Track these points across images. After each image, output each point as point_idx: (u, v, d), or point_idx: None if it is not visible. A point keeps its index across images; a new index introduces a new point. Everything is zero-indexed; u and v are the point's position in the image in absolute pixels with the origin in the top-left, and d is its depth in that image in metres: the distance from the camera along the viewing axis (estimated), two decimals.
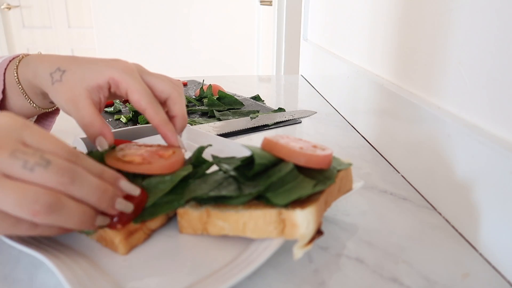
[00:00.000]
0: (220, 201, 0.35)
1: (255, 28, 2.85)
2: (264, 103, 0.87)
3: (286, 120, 0.74)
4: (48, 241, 0.35)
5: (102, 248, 0.35)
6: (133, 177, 0.36)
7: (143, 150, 0.39)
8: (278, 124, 0.73)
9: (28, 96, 0.45)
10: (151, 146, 0.42)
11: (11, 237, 0.34)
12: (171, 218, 0.39)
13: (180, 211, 0.37)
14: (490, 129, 0.37)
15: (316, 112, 0.81)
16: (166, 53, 2.85)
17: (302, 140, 0.39)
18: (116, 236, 0.34)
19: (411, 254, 0.36)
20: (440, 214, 0.43)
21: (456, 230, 0.40)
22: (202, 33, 2.87)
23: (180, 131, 0.43)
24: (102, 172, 0.32)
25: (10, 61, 0.44)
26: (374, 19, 0.67)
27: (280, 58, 2.00)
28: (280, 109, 0.81)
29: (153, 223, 0.37)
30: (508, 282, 0.33)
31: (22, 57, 0.44)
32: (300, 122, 0.75)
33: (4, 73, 0.44)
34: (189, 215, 0.36)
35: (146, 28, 2.78)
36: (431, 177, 0.45)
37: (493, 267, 0.34)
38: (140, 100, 0.39)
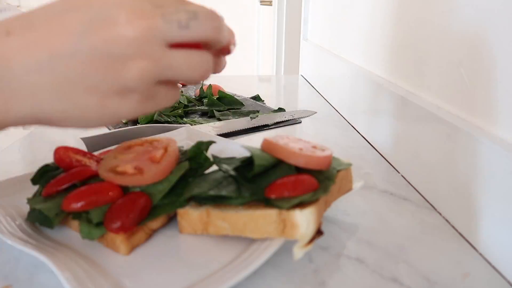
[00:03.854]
0: (219, 201, 0.36)
1: (255, 28, 2.85)
2: (264, 103, 0.87)
3: (286, 120, 0.74)
4: (48, 241, 0.35)
5: (102, 248, 0.35)
6: None
7: (135, 154, 0.39)
8: (278, 124, 0.73)
9: None
10: (142, 144, 0.42)
11: (11, 237, 0.34)
12: (172, 218, 0.39)
13: (180, 211, 0.37)
14: (490, 129, 0.37)
15: (316, 112, 0.81)
16: None
17: (302, 140, 0.40)
18: (117, 236, 0.34)
19: (411, 254, 0.36)
20: (440, 214, 0.43)
21: (456, 230, 0.40)
22: None
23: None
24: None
25: None
26: (374, 19, 0.67)
27: (280, 58, 2.00)
28: (280, 109, 0.81)
29: (154, 223, 0.37)
30: (508, 282, 0.33)
31: None
32: (300, 122, 0.75)
33: None
34: (189, 215, 0.36)
35: None
36: (431, 177, 0.45)
37: (493, 267, 0.34)
38: None
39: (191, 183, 0.38)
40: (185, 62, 0.27)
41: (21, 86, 0.24)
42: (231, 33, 0.30)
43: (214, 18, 0.28)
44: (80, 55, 0.25)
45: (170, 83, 0.28)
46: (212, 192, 0.35)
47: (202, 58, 0.28)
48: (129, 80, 0.25)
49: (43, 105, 0.25)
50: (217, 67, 0.31)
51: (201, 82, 0.27)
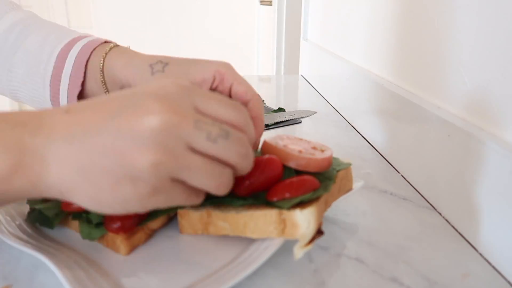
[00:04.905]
0: (219, 202, 0.36)
1: (255, 28, 2.85)
2: (264, 103, 0.87)
3: (286, 120, 0.74)
4: (48, 241, 0.35)
5: (102, 248, 0.35)
6: None
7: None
8: (278, 124, 0.73)
9: (106, 86, 0.44)
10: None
11: (11, 237, 0.34)
12: (172, 218, 0.39)
13: (181, 211, 0.37)
14: (490, 129, 0.37)
15: (316, 112, 0.81)
16: (166, 53, 2.85)
17: (302, 141, 0.39)
18: (117, 237, 0.34)
19: (411, 254, 0.36)
20: (440, 214, 0.43)
21: (456, 230, 0.40)
22: (202, 33, 2.87)
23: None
24: (256, 136, 0.36)
25: (94, 48, 0.44)
26: (374, 19, 0.67)
27: (280, 58, 2.00)
28: (280, 109, 0.81)
29: (154, 224, 0.37)
30: (508, 282, 0.33)
31: (114, 45, 0.45)
32: (300, 122, 0.75)
33: (86, 64, 0.44)
34: (190, 215, 0.36)
35: (146, 28, 2.78)
36: (431, 177, 0.45)
37: (493, 267, 0.34)
38: (247, 91, 0.39)
39: None
40: (204, 170, 0.27)
41: (53, 156, 0.26)
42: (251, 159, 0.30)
43: (243, 144, 0.28)
44: (105, 134, 0.26)
45: (187, 185, 0.28)
46: (214, 199, 0.35)
47: (221, 171, 0.28)
48: (141, 170, 0.25)
49: (65, 176, 0.26)
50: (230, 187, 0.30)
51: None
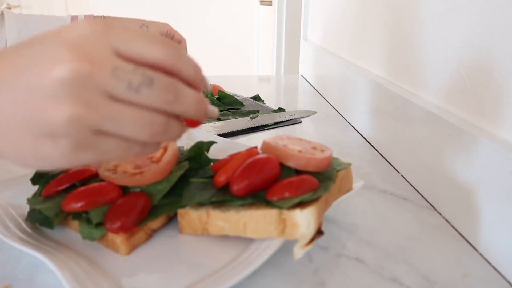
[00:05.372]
0: (219, 202, 0.35)
1: (255, 28, 2.85)
2: (264, 103, 0.87)
3: (286, 120, 0.74)
4: (48, 241, 0.35)
5: (102, 248, 0.35)
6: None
7: None
8: (278, 124, 0.73)
9: None
10: None
11: (11, 237, 0.34)
12: (172, 218, 0.39)
13: (181, 211, 0.37)
14: (490, 129, 0.37)
15: (316, 112, 0.81)
16: None
17: (302, 141, 0.40)
18: (117, 237, 0.34)
19: (411, 254, 0.36)
20: (440, 214, 0.43)
21: (456, 230, 0.40)
22: (202, 33, 2.87)
23: None
24: (195, 74, 0.28)
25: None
26: (374, 19, 0.67)
27: (280, 58, 2.00)
28: (280, 109, 0.80)
29: (154, 223, 0.37)
30: (508, 282, 0.33)
31: (103, 17, 0.63)
32: (300, 122, 0.75)
33: None
34: (190, 215, 0.36)
35: None
36: (431, 177, 0.45)
37: (493, 267, 0.34)
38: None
39: (191, 186, 0.38)
40: (130, 119, 0.25)
41: None
42: (200, 107, 0.28)
43: (171, 90, 0.26)
44: (16, 89, 0.24)
45: (117, 136, 0.25)
46: (214, 199, 0.35)
47: (153, 119, 0.25)
48: (58, 125, 0.23)
49: None
50: (174, 134, 0.28)
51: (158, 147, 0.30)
